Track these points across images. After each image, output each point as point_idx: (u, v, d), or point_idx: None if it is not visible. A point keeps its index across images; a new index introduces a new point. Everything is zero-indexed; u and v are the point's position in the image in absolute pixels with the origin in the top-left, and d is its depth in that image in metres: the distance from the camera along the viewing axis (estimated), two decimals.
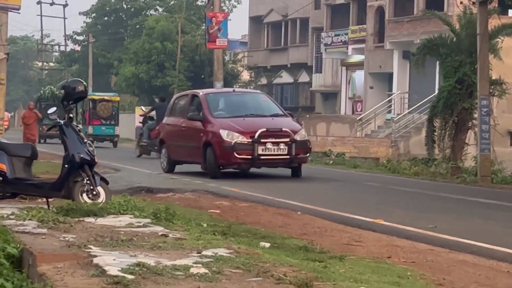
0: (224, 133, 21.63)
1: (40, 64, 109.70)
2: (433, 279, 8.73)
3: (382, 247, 11.07)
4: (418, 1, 51.20)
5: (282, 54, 68.35)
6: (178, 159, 24.59)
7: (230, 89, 31.14)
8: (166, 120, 26.07)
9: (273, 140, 21.51)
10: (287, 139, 21.58)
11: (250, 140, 21.36)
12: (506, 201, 18.45)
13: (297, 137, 21.84)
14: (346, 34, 58.67)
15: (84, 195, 12.92)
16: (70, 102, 13.60)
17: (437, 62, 38.77)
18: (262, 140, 21.30)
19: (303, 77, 67.18)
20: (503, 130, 38.88)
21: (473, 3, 30.78)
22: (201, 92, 24.96)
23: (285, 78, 68.97)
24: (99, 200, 12.75)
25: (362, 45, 56.17)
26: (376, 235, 12.22)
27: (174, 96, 27.47)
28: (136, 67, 65.83)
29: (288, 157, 21.64)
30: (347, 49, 58.30)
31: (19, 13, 28.29)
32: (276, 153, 21.47)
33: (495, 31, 33.34)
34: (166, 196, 17.64)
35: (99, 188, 13.11)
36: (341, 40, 59.22)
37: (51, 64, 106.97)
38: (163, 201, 15.66)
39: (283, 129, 21.86)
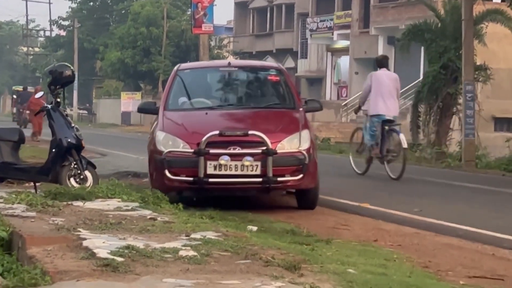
0: (159, 137, 12.86)
1: (25, 49, 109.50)
2: (419, 261, 8.81)
3: (369, 231, 11.15)
4: None
5: (268, 40, 68.33)
6: None
7: (224, 62, 18.68)
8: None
9: (234, 150, 12.33)
10: (258, 150, 12.30)
11: (193, 151, 12.32)
12: (490, 186, 18.49)
13: (283, 147, 12.56)
14: (332, 19, 58.72)
15: (72, 179, 12.97)
16: (58, 87, 13.62)
17: (422, 48, 38.91)
18: (212, 151, 12.24)
19: (289, 63, 67.11)
20: (487, 115, 39.04)
21: None
22: (176, 66, 15.45)
23: (269, 62, 68.87)
24: (87, 184, 12.80)
25: (348, 31, 56.24)
26: (362, 218, 12.33)
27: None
28: (122, 52, 65.78)
29: (259, 179, 12.39)
30: (333, 34, 58.42)
31: None
32: (238, 172, 12.27)
33: (480, 17, 33.42)
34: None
35: (87, 173, 13.17)
36: (327, 26, 59.31)
37: (36, 49, 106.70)
38: (149, 185, 15.64)
39: (251, 132, 12.38)
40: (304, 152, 12.65)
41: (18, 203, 10.06)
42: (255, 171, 12.28)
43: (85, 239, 7.70)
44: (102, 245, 7.45)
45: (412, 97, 37.03)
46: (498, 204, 14.69)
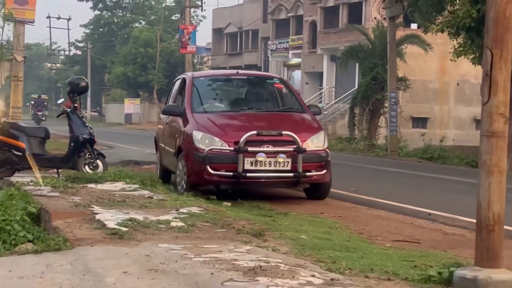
0: (197, 136, 11.35)
1: (49, 65, 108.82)
2: (355, 229, 8.83)
3: (316, 205, 11.14)
4: (342, 17, 51.32)
5: (238, 58, 68.16)
6: (166, 166, 13.65)
7: (232, 71, 16.49)
8: (162, 113, 14.71)
9: (269, 148, 11.13)
10: (290, 148, 11.14)
11: (232, 149, 11.07)
12: (410, 170, 18.60)
13: (308, 145, 11.32)
14: (287, 42, 58.63)
15: (86, 166, 12.93)
16: (75, 95, 13.59)
17: (357, 64, 39.07)
18: (250, 149, 11.02)
19: None
20: (407, 115, 39.40)
21: (384, 18, 30.88)
22: (189, 75, 13.76)
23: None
24: (98, 171, 12.74)
25: (299, 51, 56.15)
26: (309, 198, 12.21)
27: (174, 81, 15.30)
28: (125, 67, 65.49)
29: (291, 174, 11.16)
30: (288, 53, 58.30)
31: (33, 25, 28.17)
32: (272, 168, 11.09)
33: (401, 40, 33.68)
34: (149, 167, 17.53)
35: (98, 161, 13.12)
36: (283, 47, 59.21)
37: (58, 65, 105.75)
38: (148, 171, 15.59)
39: (284, 132, 11.25)
40: (327, 150, 11.67)
41: (45, 185, 10.03)
42: (287, 167, 11.08)
43: (97, 213, 7.70)
44: (110, 218, 7.45)
45: (349, 101, 37.23)
46: (416, 184, 14.78)
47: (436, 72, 48.27)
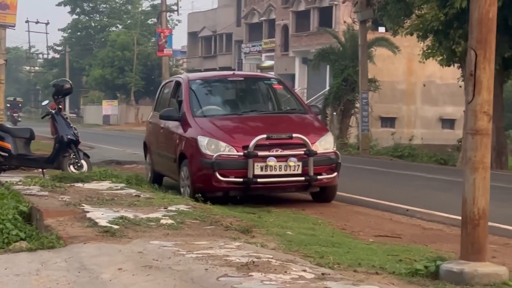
0: (203, 141, 10.49)
1: (28, 68, 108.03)
2: (337, 225, 8.81)
3: (298, 202, 11.11)
4: (313, 21, 51.43)
5: (213, 60, 68.04)
6: (160, 171, 12.96)
7: (229, 73, 14.92)
8: (150, 116, 14.15)
9: (279, 152, 10.32)
10: (301, 151, 10.37)
11: (242, 154, 10.23)
12: (383, 167, 18.64)
13: (318, 148, 10.55)
14: (260, 45, 58.65)
15: (71, 166, 12.79)
16: (60, 97, 13.48)
17: (327, 66, 39.21)
18: (260, 153, 10.21)
19: None
20: (376, 115, 39.56)
21: (355, 22, 30.99)
22: (184, 77, 12.67)
23: None
24: (83, 170, 12.61)
25: (272, 53, 56.19)
26: (291, 193, 12.17)
27: (162, 84, 14.76)
28: (103, 70, 65.11)
29: (302, 178, 10.40)
30: (261, 56, 58.34)
31: (14, 29, 27.89)
32: (283, 172, 10.30)
33: (371, 43, 33.87)
34: (131, 166, 17.45)
35: (83, 161, 12.99)
36: (257, 50, 59.22)
37: (36, 68, 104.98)
38: (130, 170, 15.48)
39: (295, 135, 10.48)
40: (337, 152, 10.95)
41: (33, 185, 9.91)
42: (297, 170, 10.29)
43: (88, 212, 7.61)
44: (101, 216, 7.37)
45: (321, 102, 37.26)
46: (391, 181, 14.81)
47: (403, 73, 48.52)
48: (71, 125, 13.44)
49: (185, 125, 11.21)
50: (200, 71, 69.17)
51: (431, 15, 23.21)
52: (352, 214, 10.00)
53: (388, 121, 47.61)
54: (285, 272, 5.21)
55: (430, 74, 48.14)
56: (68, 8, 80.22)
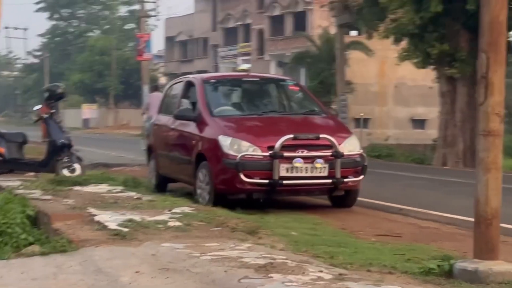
0: (225, 141, 9.74)
1: (6, 73, 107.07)
2: (337, 225, 8.73)
3: (292, 204, 10.96)
4: (288, 25, 51.55)
5: (189, 64, 67.76)
6: (168, 174, 11.99)
7: (243, 73, 13.08)
8: (155, 119, 13.18)
9: (305, 153, 9.58)
10: (328, 152, 9.66)
11: (267, 154, 9.47)
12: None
13: (344, 149, 9.82)
14: (236, 49, 58.59)
15: (65, 170, 12.61)
16: (53, 101, 13.29)
17: (301, 69, 39.24)
18: (286, 154, 9.45)
19: None
20: (350, 117, 39.64)
21: (327, 26, 31.13)
22: (198, 77, 11.85)
23: None
24: (76, 173, 12.44)
25: (248, 57, 56.07)
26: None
27: (168, 84, 13.89)
28: (82, 74, 64.78)
29: (329, 180, 9.69)
30: (237, 60, 58.23)
31: None
32: (309, 174, 9.57)
33: (346, 46, 33.82)
34: (120, 169, 17.25)
35: (76, 165, 12.81)
36: (233, 54, 59.11)
37: (15, 73, 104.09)
38: (119, 173, 15.28)
39: (322, 136, 9.75)
40: (364, 155, 10.31)
41: (35, 189, 9.74)
42: (324, 172, 9.56)
43: (95, 215, 7.47)
44: (109, 219, 7.23)
45: None
46: (378, 181, 14.66)
47: (376, 76, 48.60)
48: (64, 129, 13.29)
49: (202, 125, 10.47)
50: (177, 75, 68.91)
51: (407, 19, 23.27)
52: (348, 213, 9.92)
53: (362, 122, 47.71)
54: (303, 273, 5.13)
55: (401, 76, 48.28)
56: (46, 14, 79.72)
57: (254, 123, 10.46)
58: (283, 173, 9.42)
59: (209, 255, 5.75)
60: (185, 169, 10.82)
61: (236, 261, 5.51)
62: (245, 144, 9.60)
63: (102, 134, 48.88)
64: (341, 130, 10.50)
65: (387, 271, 5.57)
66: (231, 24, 60.12)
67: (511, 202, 8.08)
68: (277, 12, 52.82)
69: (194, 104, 11.00)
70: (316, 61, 36.38)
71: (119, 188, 10.25)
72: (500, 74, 5.19)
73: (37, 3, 79.06)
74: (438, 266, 5.42)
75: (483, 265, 5.12)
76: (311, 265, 5.47)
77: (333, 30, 36.91)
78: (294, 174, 9.49)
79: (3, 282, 5.35)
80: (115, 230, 6.69)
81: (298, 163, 9.47)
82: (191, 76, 12.62)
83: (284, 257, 5.70)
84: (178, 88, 12.26)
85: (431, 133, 36.63)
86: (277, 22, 53.07)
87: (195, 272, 5.25)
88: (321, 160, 9.57)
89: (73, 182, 10.62)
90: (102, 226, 6.91)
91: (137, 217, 7.33)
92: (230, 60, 59.57)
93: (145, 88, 44.94)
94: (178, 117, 11.17)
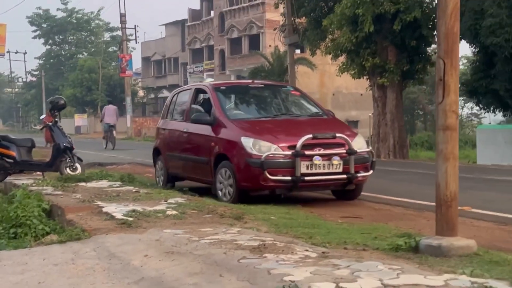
0: (248, 142, 8.92)
1: (9, 90, 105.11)
2: (307, 209, 8.43)
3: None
4: (244, 46, 51.26)
5: (163, 79, 67.14)
6: (179, 173, 11.12)
7: (248, 81, 12.75)
8: (161, 123, 12.07)
9: (323, 151, 8.87)
10: (343, 150, 8.99)
11: (290, 153, 8.71)
12: None
13: (356, 147, 9.11)
14: (202, 66, 58.16)
15: (67, 169, 12.16)
16: (55, 111, 12.84)
17: None
18: (307, 153, 8.74)
19: None
20: None
21: (277, 46, 30.88)
22: (208, 85, 10.88)
23: (166, 94, 67.72)
24: (77, 172, 12.00)
25: (212, 72, 55.76)
26: None
27: (172, 93, 12.48)
28: (73, 89, 63.58)
29: (344, 176, 8.97)
30: (203, 75, 57.80)
31: (3, 57, 26.97)
32: (327, 170, 8.88)
33: (294, 62, 33.68)
34: (112, 167, 16.77)
35: (77, 164, 12.37)
36: (199, 70, 58.70)
37: (17, 90, 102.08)
38: (113, 170, 14.81)
39: (338, 135, 9.05)
40: (372, 151, 9.56)
41: (46, 185, 9.31)
42: (339, 169, 8.87)
43: (103, 207, 7.11)
44: (115, 210, 6.88)
45: None
46: None
47: (317, 86, 48.71)
48: (66, 134, 12.85)
49: (220, 128, 9.58)
50: (153, 88, 68.23)
51: (345, 38, 23.22)
52: (315, 199, 9.64)
53: None
54: (292, 252, 4.85)
55: (338, 85, 48.49)
56: (42, 40, 78.38)
57: (270, 125, 9.55)
58: (303, 170, 8.71)
59: (207, 239, 5.44)
60: (201, 169, 9.98)
61: (231, 244, 5.21)
62: (267, 144, 8.82)
63: (92, 138, 47.95)
64: (348, 129, 9.70)
65: (361, 248, 5.29)
66: (197, 46, 59.66)
67: None
68: (235, 35, 52.52)
69: (206, 109, 10.17)
70: (269, 75, 36.19)
71: (118, 183, 9.90)
72: (455, 77, 4.96)
73: (34, 31, 77.62)
74: (405, 243, 5.16)
75: (445, 241, 4.89)
76: (296, 245, 5.19)
77: (282, 49, 36.81)
78: (314, 171, 8.78)
79: (27, 268, 4.98)
80: (121, 219, 6.34)
81: (317, 160, 8.78)
82: (200, 84, 11.83)
83: (272, 239, 5.41)
84: (185, 96, 11.39)
85: (363, 131, 36.56)
86: (235, 43, 52.78)
87: (197, 254, 4.93)
88: (337, 157, 8.88)
89: (77, 179, 10.22)
90: (110, 216, 6.55)
91: (139, 208, 6.99)
92: (197, 75, 59.12)
93: (128, 99, 44.40)
94: (195, 121, 10.15)
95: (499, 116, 30.47)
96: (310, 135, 8.77)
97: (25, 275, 4.70)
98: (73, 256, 5.27)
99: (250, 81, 12.09)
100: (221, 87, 10.68)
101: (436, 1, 23.25)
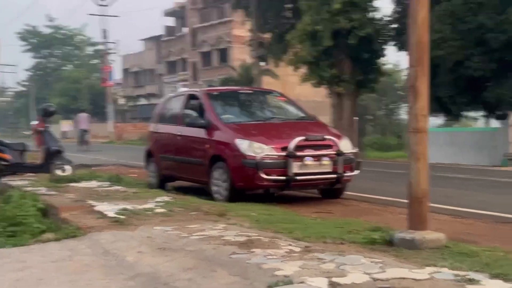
0: (242, 144, 8.49)
1: (1, 99, 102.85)
2: (283, 206, 8.11)
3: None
4: (214, 58, 50.93)
5: (142, 89, 66.16)
6: (172, 174, 10.49)
7: (236, 87, 12.43)
8: (154, 128, 11.37)
9: (314, 152, 8.49)
10: (332, 152, 8.61)
11: (283, 154, 8.32)
12: None
13: (343, 148, 8.74)
14: (176, 77, 57.53)
15: (58, 170, 11.74)
16: (47, 118, 12.42)
17: None
18: (299, 154, 8.36)
19: (154, 101, 65.22)
20: None
21: (245, 59, 30.64)
22: (201, 91, 10.44)
23: (143, 101, 66.85)
24: (67, 173, 11.59)
25: (186, 83, 55.12)
26: None
27: (163, 99, 12.28)
28: (60, 98, 62.40)
29: (333, 175, 8.61)
30: (178, 85, 57.19)
31: None
32: (317, 170, 8.51)
33: (260, 73, 33.58)
34: (98, 168, 16.27)
35: (66, 166, 11.96)
36: (174, 80, 58.01)
37: (8, 98, 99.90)
38: (99, 171, 14.30)
39: (326, 137, 8.73)
40: (357, 153, 9.19)
41: (39, 186, 8.91)
42: (329, 169, 8.51)
43: (95, 206, 6.78)
44: (107, 209, 6.56)
45: None
46: None
47: None
48: (56, 139, 12.45)
49: (214, 131, 9.07)
50: (133, 97, 67.25)
51: (306, 51, 23.15)
52: (289, 197, 9.34)
53: None
54: (277, 247, 4.61)
55: (297, 94, 48.15)
56: (31, 54, 76.97)
57: (262, 128, 9.03)
58: (296, 170, 8.31)
59: (196, 235, 5.17)
60: (196, 170, 9.42)
61: (219, 239, 4.95)
62: (261, 145, 8.35)
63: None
64: (334, 132, 9.23)
65: (339, 242, 5.08)
66: (172, 58, 59.02)
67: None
68: (206, 49, 52.11)
69: (199, 114, 9.66)
70: (237, 84, 35.85)
71: (107, 183, 9.54)
72: (425, 83, 4.79)
73: (24, 45, 76.15)
74: (380, 236, 4.98)
75: (418, 235, 4.71)
76: (280, 240, 4.95)
77: (248, 61, 36.61)
78: (305, 171, 8.38)
79: (27, 265, 4.66)
80: (113, 217, 6.04)
81: (308, 161, 8.39)
82: (192, 90, 11.27)
83: (257, 234, 5.17)
84: (178, 101, 10.76)
85: None
86: (206, 56, 52.36)
87: (189, 250, 4.67)
88: (327, 158, 8.52)
89: (68, 180, 9.83)
90: (102, 215, 6.24)
91: (129, 206, 6.69)
92: (172, 85, 58.42)
93: (110, 107, 43.71)
94: (189, 124, 9.70)
95: (440, 120, 30.68)
96: (303, 137, 8.40)
97: (25, 272, 4.39)
98: (69, 253, 4.97)
99: (238, 87, 11.54)
100: (213, 93, 10.23)
101: (385, 20, 23.39)
